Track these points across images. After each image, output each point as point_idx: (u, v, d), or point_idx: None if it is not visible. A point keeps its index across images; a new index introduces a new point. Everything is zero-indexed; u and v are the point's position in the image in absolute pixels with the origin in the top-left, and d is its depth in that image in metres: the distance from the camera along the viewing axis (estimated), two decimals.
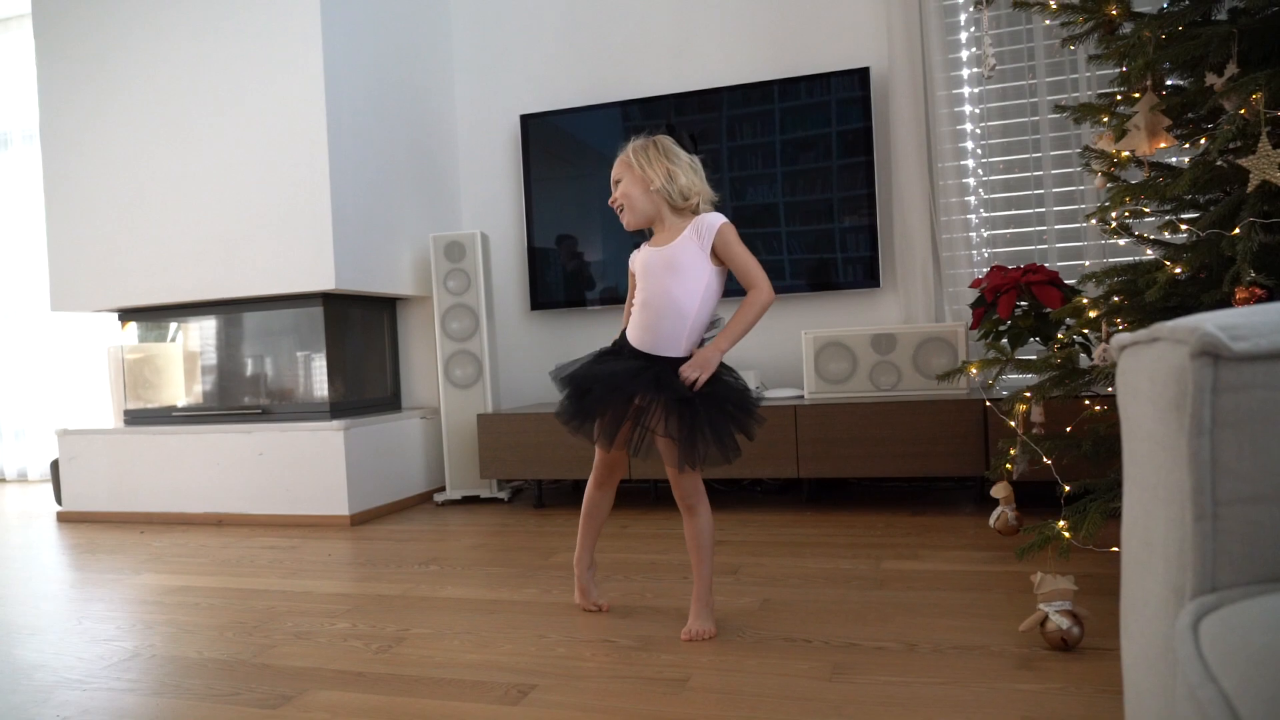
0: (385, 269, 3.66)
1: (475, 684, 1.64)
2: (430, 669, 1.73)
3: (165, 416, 3.79)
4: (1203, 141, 1.97)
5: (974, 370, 2.42)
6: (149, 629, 2.11)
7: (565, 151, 3.91)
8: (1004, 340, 2.76)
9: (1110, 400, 2.20)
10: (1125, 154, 2.02)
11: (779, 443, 3.08)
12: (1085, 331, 2.19)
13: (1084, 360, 2.24)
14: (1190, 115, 1.98)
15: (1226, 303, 1.67)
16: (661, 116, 3.67)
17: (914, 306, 3.44)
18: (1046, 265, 3.02)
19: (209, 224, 3.50)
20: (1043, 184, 3.35)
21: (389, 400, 3.96)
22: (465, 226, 4.17)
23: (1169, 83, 2.03)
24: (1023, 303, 2.76)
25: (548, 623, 1.99)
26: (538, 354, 4.02)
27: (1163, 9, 1.92)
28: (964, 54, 3.46)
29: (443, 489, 3.86)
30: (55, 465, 3.88)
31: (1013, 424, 2.32)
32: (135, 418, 3.85)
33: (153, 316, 3.86)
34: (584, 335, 3.91)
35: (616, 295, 3.78)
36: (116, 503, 3.70)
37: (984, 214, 3.46)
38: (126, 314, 3.88)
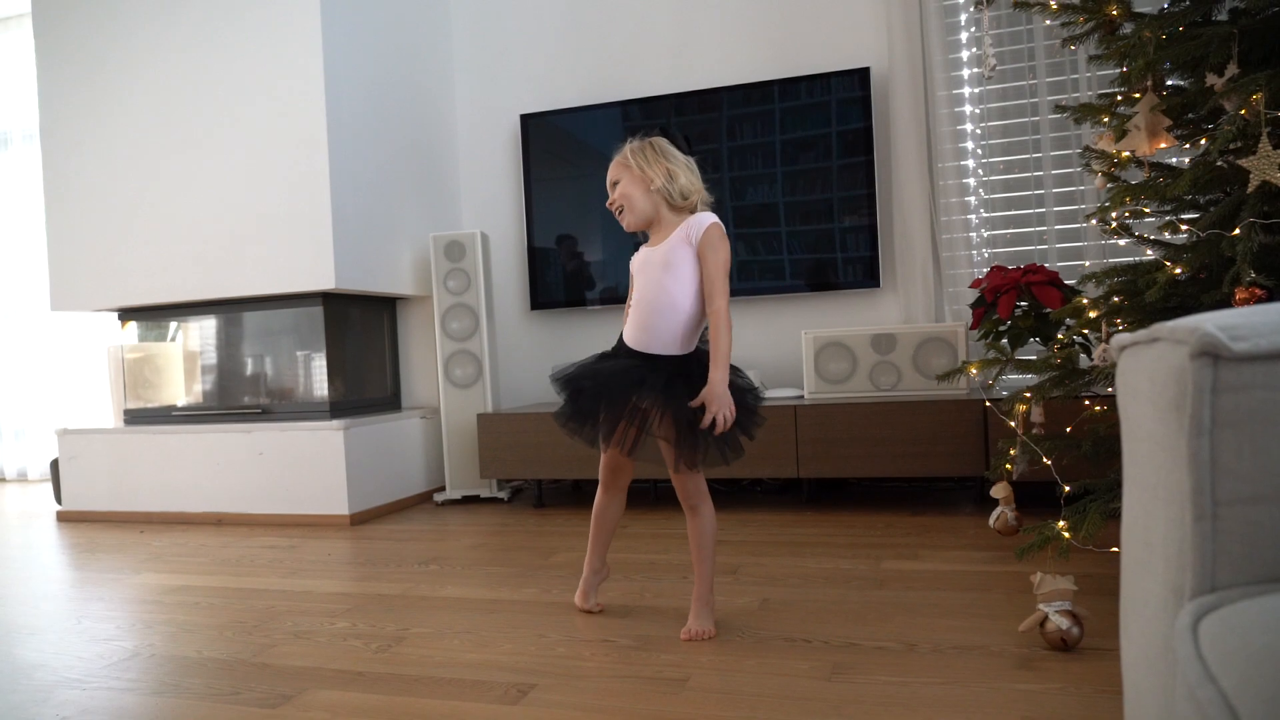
0: (385, 269, 3.66)
1: (475, 683, 1.64)
2: (430, 668, 1.73)
3: (165, 416, 3.79)
4: (1203, 142, 1.97)
5: (974, 370, 2.42)
6: (149, 628, 2.11)
7: (565, 151, 3.91)
8: (1004, 340, 2.76)
9: (1110, 401, 2.20)
10: (1125, 154, 2.02)
11: (779, 443, 3.08)
12: (1085, 332, 2.19)
13: (1084, 361, 2.24)
14: (1190, 115, 1.98)
15: (1226, 303, 1.67)
16: (662, 116, 3.68)
17: (914, 306, 3.44)
18: (1046, 265, 3.02)
19: (209, 223, 3.50)
20: (1043, 184, 3.35)
21: (389, 400, 3.96)
22: (465, 226, 4.17)
23: (1169, 83, 2.03)
24: (1023, 303, 2.76)
25: (547, 622, 1.99)
26: (538, 354, 4.02)
27: (1163, 9, 1.92)
28: (964, 54, 3.46)
29: (442, 489, 3.86)
30: (55, 465, 3.88)
31: (1012, 424, 2.32)
32: (135, 417, 3.85)
33: (153, 316, 3.86)
34: (584, 335, 3.91)
35: (616, 295, 3.78)
36: (116, 502, 3.70)
37: (984, 214, 3.46)
38: (126, 313, 3.89)
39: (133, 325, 3.91)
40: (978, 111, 3.45)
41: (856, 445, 3.01)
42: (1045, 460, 2.17)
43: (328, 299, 3.52)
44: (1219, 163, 1.77)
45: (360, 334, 3.79)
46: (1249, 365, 0.68)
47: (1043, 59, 3.32)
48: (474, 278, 3.64)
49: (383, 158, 3.67)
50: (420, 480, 3.80)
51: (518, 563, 2.59)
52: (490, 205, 4.14)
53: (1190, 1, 1.88)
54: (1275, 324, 0.68)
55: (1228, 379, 0.68)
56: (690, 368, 1.85)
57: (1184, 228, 2.03)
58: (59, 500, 3.85)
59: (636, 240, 2.01)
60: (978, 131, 3.45)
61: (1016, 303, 2.73)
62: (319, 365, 3.56)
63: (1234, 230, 1.66)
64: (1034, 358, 2.25)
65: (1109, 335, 1.97)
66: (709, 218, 1.87)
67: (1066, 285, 2.74)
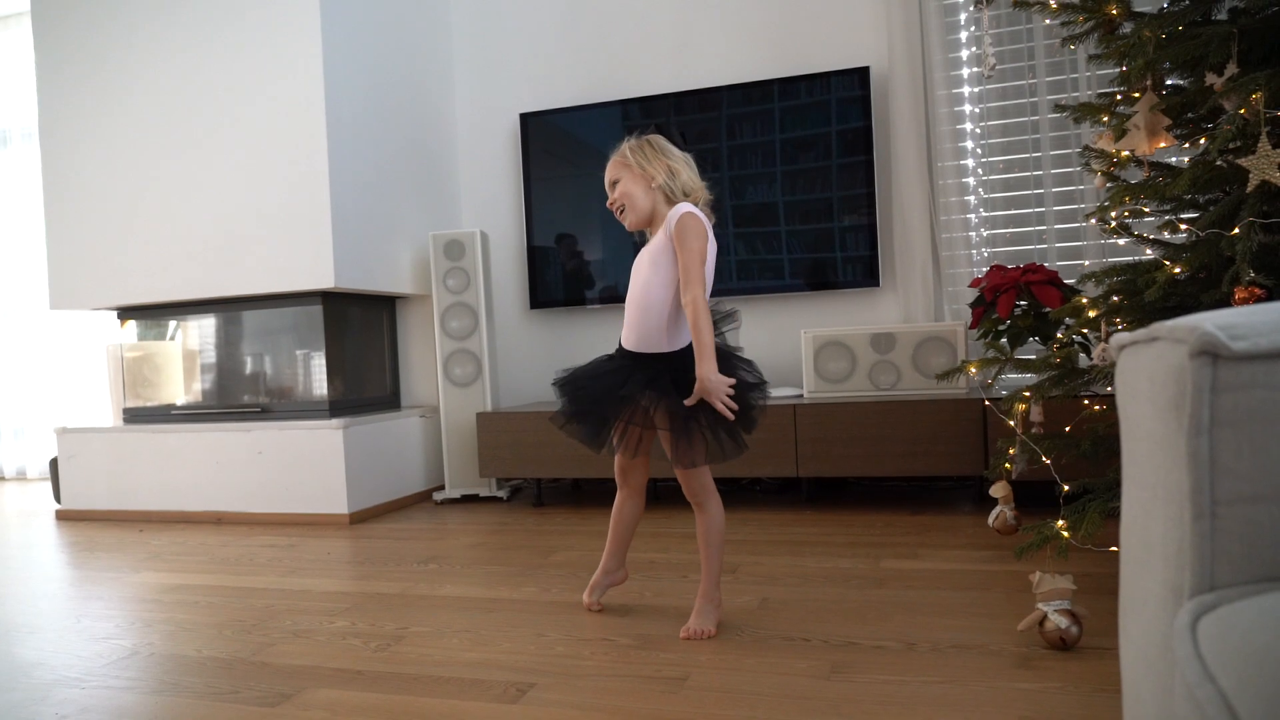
0: (385, 267, 3.66)
1: (474, 682, 1.64)
2: (429, 667, 1.73)
3: (164, 415, 3.79)
4: (1202, 141, 1.97)
5: (973, 370, 2.43)
6: (148, 627, 2.11)
7: (565, 150, 3.91)
8: (1003, 340, 2.77)
9: (1109, 400, 2.20)
10: (1125, 154, 2.02)
11: (778, 442, 3.08)
12: (1084, 331, 2.19)
13: (1083, 360, 2.24)
14: (1190, 115, 1.98)
15: (1226, 302, 1.67)
16: (661, 115, 3.68)
17: (913, 306, 3.44)
18: (1046, 265, 3.02)
19: (208, 222, 3.50)
20: (1042, 183, 3.35)
21: (388, 399, 3.96)
22: (465, 225, 4.17)
23: (1169, 82, 2.03)
24: (1022, 302, 2.76)
25: (546, 621, 1.99)
26: (537, 353, 4.02)
27: (1163, 9, 1.92)
28: (964, 53, 3.46)
29: (442, 487, 3.86)
30: (54, 463, 3.88)
31: (1012, 423, 2.32)
32: (134, 416, 3.85)
33: (152, 315, 3.85)
34: (583, 334, 3.91)
35: (616, 294, 3.78)
36: (115, 501, 3.70)
37: (983, 213, 3.46)
38: (126, 312, 3.88)
39: (132, 324, 3.91)
40: (977, 111, 3.45)
41: (856, 444, 3.01)
42: (1044, 459, 2.17)
43: (327, 298, 3.52)
44: (1218, 162, 1.77)
45: (360, 333, 3.79)
46: (1248, 364, 0.68)
47: (1042, 58, 3.32)
48: (473, 277, 3.64)
49: (382, 156, 3.67)
50: (419, 479, 3.80)
51: (517, 562, 2.59)
52: (490, 204, 4.14)
53: (1190, 1, 1.88)
54: (1274, 323, 0.68)
55: (1227, 378, 0.68)
56: (680, 364, 1.84)
57: (1183, 227, 2.03)
58: (58, 499, 3.85)
59: (635, 240, 2.01)
60: (977, 131, 3.45)
61: (1016, 302, 2.73)
62: (318, 364, 3.56)
63: (1233, 230, 1.66)
64: (1033, 357, 2.25)
65: (1108, 334, 1.97)
66: (682, 208, 1.83)
67: (1066, 284, 2.75)
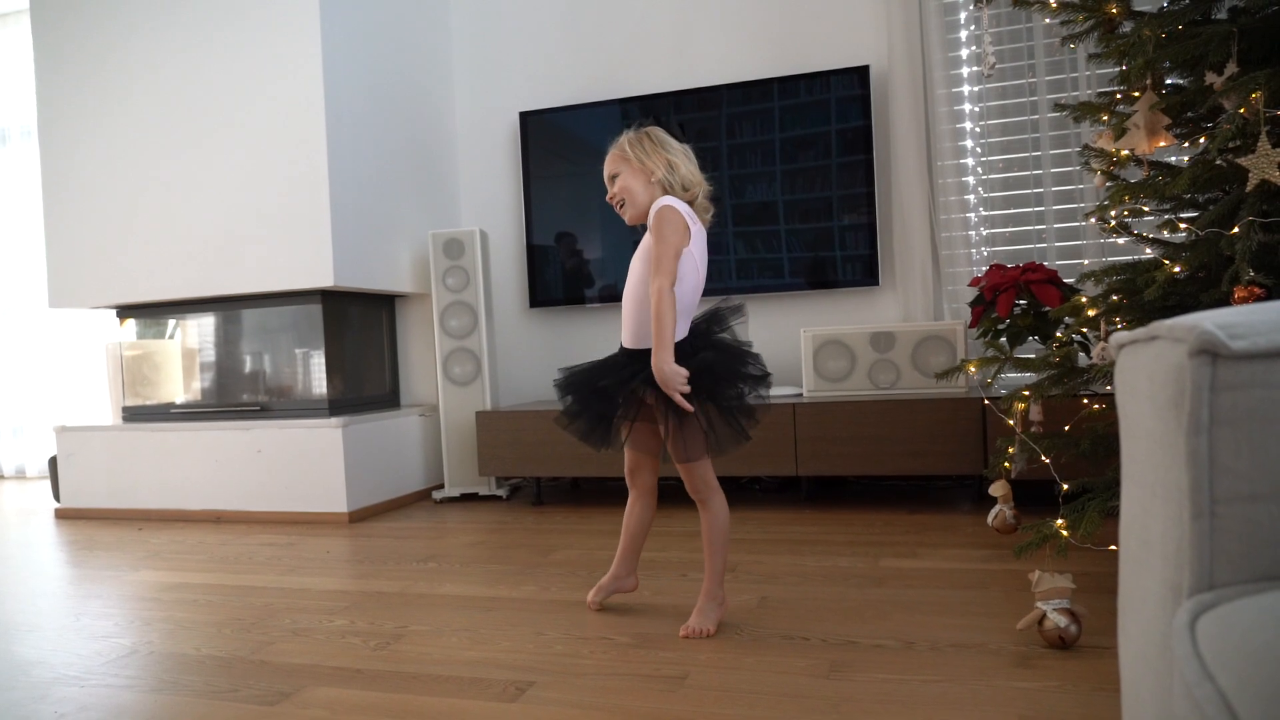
0: (384, 266, 3.66)
1: (473, 681, 1.64)
2: (428, 666, 1.73)
3: (164, 413, 3.79)
4: (1202, 140, 1.97)
5: (973, 369, 2.43)
6: (147, 626, 2.11)
7: (564, 149, 3.91)
8: (1003, 339, 2.77)
9: (1109, 399, 2.20)
10: (1125, 153, 2.02)
11: (777, 441, 3.08)
12: (1084, 330, 2.19)
13: (1082, 359, 2.24)
14: (1190, 114, 1.98)
15: (1225, 302, 1.67)
16: (661, 114, 3.67)
17: (913, 305, 3.44)
18: (1045, 264, 3.02)
19: (207, 221, 3.50)
20: (1042, 182, 3.35)
21: (388, 397, 3.96)
22: (464, 224, 4.17)
23: (1169, 82, 2.03)
24: (1022, 301, 2.76)
25: (546, 620, 1.99)
26: (537, 352, 4.02)
27: (1163, 8, 1.92)
28: (964, 52, 3.46)
29: (441, 486, 3.86)
30: (53, 462, 3.88)
31: (1011, 422, 2.32)
32: (134, 414, 3.85)
33: (151, 313, 3.85)
34: (583, 333, 3.91)
35: (615, 293, 3.77)
36: (115, 499, 3.69)
37: (983, 212, 3.46)
38: (125, 311, 3.88)
39: (131, 322, 3.91)
40: (977, 110, 3.45)
41: (855, 443, 3.01)
42: (1044, 458, 2.17)
43: (326, 296, 3.52)
44: (1218, 161, 1.77)
45: (359, 331, 3.79)
46: (1247, 363, 0.68)
47: (1042, 57, 3.32)
48: (473, 275, 3.64)
49: (382, 155, 3.66)
50: (419, 478, 3.80)
51: (516, 560, 2.59)
52: (489, 203, 4.14)
53: (1190, 0, 1.88)
54: (1273, 322, 0.68)
55: (1226, 377, 0.68)
56: (677, 357, 1.83)
57: (1183, 226, 2.03)
58: (57, 497, 3.85)
59: (634, 238, 2.01)
60: (977, 130, 3.45)
61: (1015, 301, 2.73)
62: (318, 363, 3.56)
63: (1233, 229, 1.66)
64: (1033, 356, 2.25)
65: (1107, 333, 1.97)
66: (662, 201, 1.82)
67: (1065, 284, 2.75)
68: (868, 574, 2.24)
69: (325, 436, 3.34)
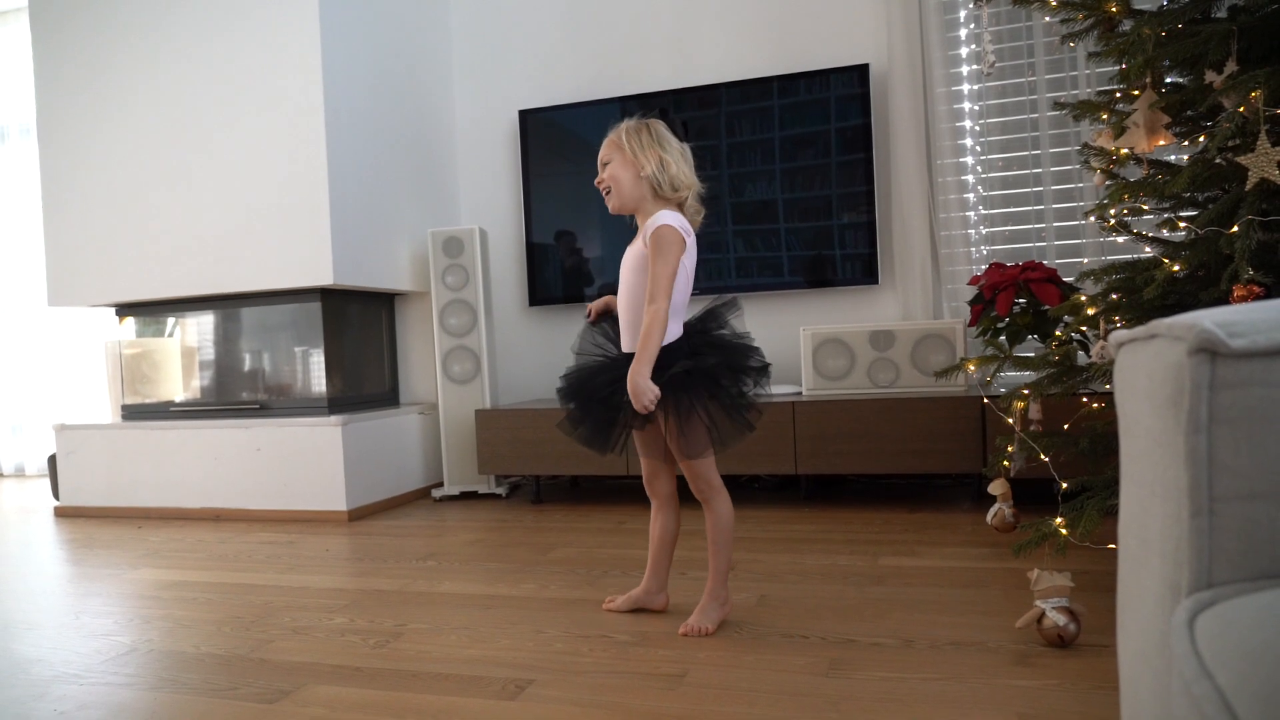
0: (383, 264, 3.66)
1: (473, 679, 1.64)
2: (427, 664, 1.73)
3: (163, 412, 3.79)
4: (1201, 139, 1.97)
5: (972, 367, 2.43)
6: (146, 624, 2.11)
7: (564, 147, 3.91)
8: (1002, 337, 2.77)
9: (1108, 397, 2.20)
10: (1124, 151, 2.02)
11: (777, 439, 3.08)
12: (1083, 329, 2.19)
13: (1082, 357, 2.24)
14: (1189, 113, 1.98)
15: (1224, 300, 1.67)
16: (661, 107, 3.67)
17: (912, 303, 3.44)
18: (1045, 263, 3.02)
19: (207, 219, 3.49)
20: (1042, 181, 3.35)
21: (387, 396, 3.96)
22: (464, 222, 4.17)
23: (1168, 80, 2.03)
24: (1021, 300, 2.76)
25: (545, 618, 1.99)
26: (536, 350, 4.02)
27: (1162, 6, 1.92)
28: (963, 51, 3.46)
29: (440, 484, 3.86)
30: (53, 460, 3.88)
31: (1010, 421, 2.32)
32: (133, 413, 3.85)
33: (150, 311, 3.85)
34: None
35: (614, 292, 3.76)
36: (114, 498, 3.69)
37: (983, 211, 3.46)
38: (124, 309, 3.88)
39: (130, 321, 3.91)
40: (977, 108, 3.45)
41: (854, 442, 3.01)
42: (1043, 457, 2.17)
43: (326, 295, 3.52)
44: (1217, 160, 1.77)
45: (358, 330, 3.78)
46: (1246, 362, 0.68)
47: (1042, 56, 3.32)
48: (472, 274, 3.64)
49: (381, 153, 3.66)
50: (418, 476, 3.80)
51: (515, 558, 2.59)
52: (489, 201, 4.14)
53: None
54: (1273, 321, 0.68)
55: (1225, 376, 0.68)
56: (673, 357, 1.81)
57: (1182, 225, 2.03)
58: (56, 496, 3.85)
59: (631, 236, 2.00)
60: (977, 128, 3.45)
61: (1015, 300, 2.74)
62: (317, 361, 3.56)
63: (1232, 228, 1.66)
64: (1032, 355, 2.26)
65: (1107, 332, 1.97)
66: (662, 218, 1.79)
67: (1065, 282, 2.75)
68: (867, 572, 2.24)
69: (324, 435, 3.34)
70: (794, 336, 3.55)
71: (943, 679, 1.53)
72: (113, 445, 3.70)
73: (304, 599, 2.26)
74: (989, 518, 2.52)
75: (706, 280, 3.63)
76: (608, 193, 1.89)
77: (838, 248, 3.51)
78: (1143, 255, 2.08)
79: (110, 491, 3.70)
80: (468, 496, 3.70)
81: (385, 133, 3.69)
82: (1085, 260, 3.25)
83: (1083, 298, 2.08)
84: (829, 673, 1.58)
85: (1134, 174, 2.14)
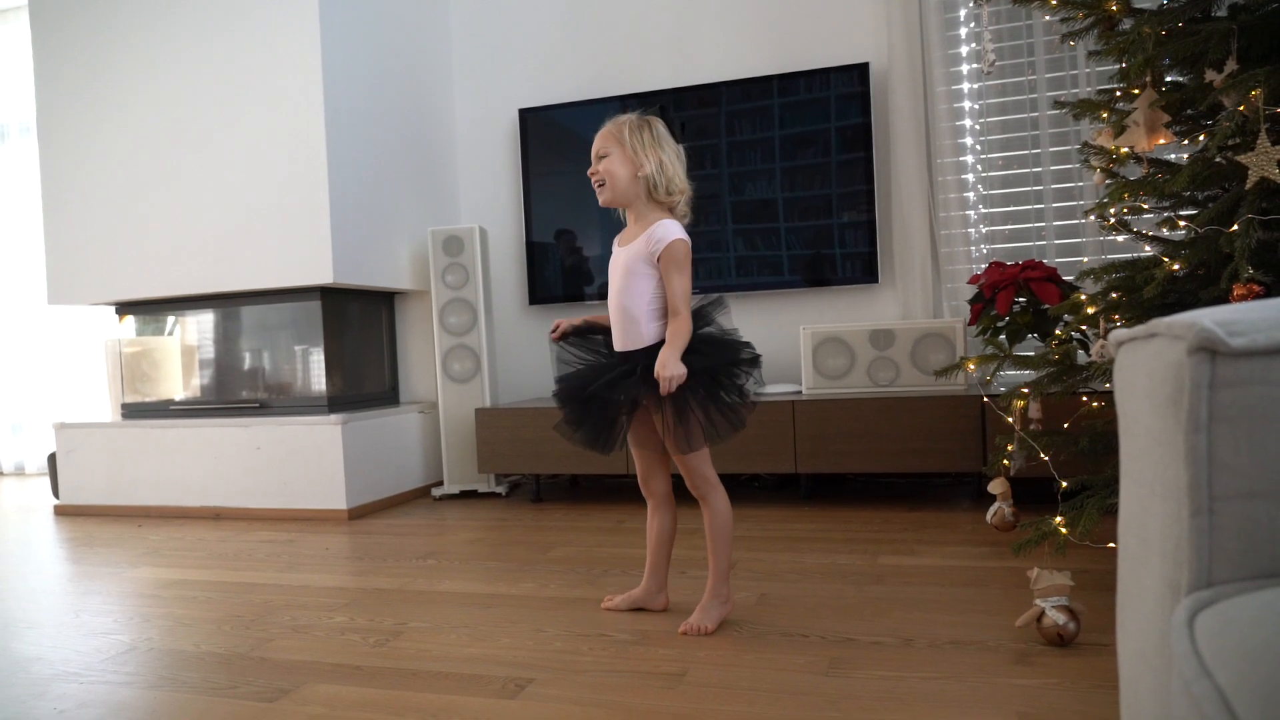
0: (383, 263, 3.66)
1: (472, 677, 1.64)
2: (427, 663, 1.73)
3: (163, 410, 3.79)
4: (1202, 138, 1.97)
5: (972, 366, 2.43)
6: (146, 622, 2.11)
7: (564, 146, 3.91)
8: (1002, 336, 2.77)
9: (1108, 396, 2.20)
10: (1124, 150, 2.02)
11: (777, 438, 3.08)
12: (1083, 328, 2.19)
13: (1082, 356, 2.24)
14: (1189, 112, 1.98)
15: (1224, 299, 1.67)
16: (661, 104, 3.67)
17: (912, 302, 3.44)
18: (1045, 261, 3.02)
19: (207, 218, 3.49)
20: (1042, 180, 3.35)
21: (387, 394, 3.95)
22: (463, 221, 4.17)
23: (1168, 79, 2.03)
24: (1021, 299, 2.76)
25: (545, 617, 1.99)
26: (536, 349, 4.02)
27: (1162, 5, 1.92)
28: (963, 50, 3.46)
29: (440, 483, 3.86)
30: (53, 458, 3.88)
31: (1010, 420, 2.32)
32: (133, 411, 3.85)
33: (150, 310, 3.85)
34: None
35: None
36: (114, 496, 3.69)
37: (983, 210, 3.46)
38: (124, 307, 3.88)
39: (130, 319, 3.91)
40: (977, 107, 3.45)
41: (854, 441, 3.01)
42: (1043, 456, 2.17)
43: (326, 294, 3.52)
44: (1217, 159, 1.77)
45: (358, 329, 3.78)
46: (1246, 361, 0.68)
47: (1042, 55, 3.32)
48: (472, 273, 3.64)
49: (381, 152, 3.66)
50: (418, 475, 3.80)
51: (515, 557, 2.59)
52: (488, 200, 4.14)
53: None
54: (1272, 320, 0.68)
55: (1225, 374, 0.68)
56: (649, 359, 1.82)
57: (1182, 224, 2.03)
58: (56, 494, 3.85)
59: None
60: (977, 127, 3.45)
61: (1015, 299, 2.74)
62: (317, 360, 3.56)
63: (1232, 226, 1.66)
64: (1032, 354, 2.25)
65: (1107, 331, 1.97)
66: (674, 231, 1.80)
67: (1065, 281, 2.75)
68: (867, 571, 2.24)
69: (324, 433, 3.34)
70: (794, 335, 3.55)
71: (942, 678, 1.53)
72: (113, 444, 3.70)
73: (304, 598, 2.26)
74: (989, 517, 2.52)
75: (707, 279, 3.63)
76: (600, 185, 1.88)
77: (838, 247, 3.51)
78: (1143, 254, 2.08)
79: (110, 490, 3.70)
80: (467, 495, 3.70)
81: (385, 132, 3.69)
82: (1085, 259, 3.25)
83: (1082, 296, 2.08)
84: (829, 672, 1.58)
85: (1134, 173, 2.14)
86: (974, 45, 3.43)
